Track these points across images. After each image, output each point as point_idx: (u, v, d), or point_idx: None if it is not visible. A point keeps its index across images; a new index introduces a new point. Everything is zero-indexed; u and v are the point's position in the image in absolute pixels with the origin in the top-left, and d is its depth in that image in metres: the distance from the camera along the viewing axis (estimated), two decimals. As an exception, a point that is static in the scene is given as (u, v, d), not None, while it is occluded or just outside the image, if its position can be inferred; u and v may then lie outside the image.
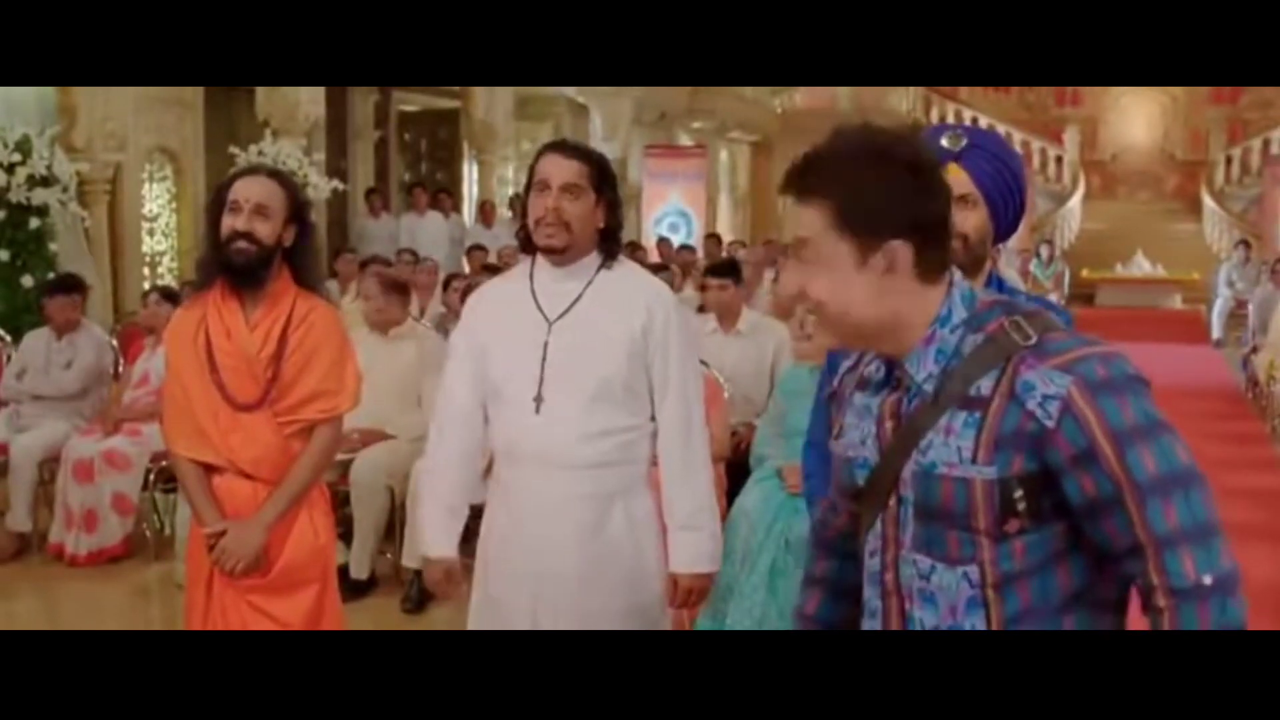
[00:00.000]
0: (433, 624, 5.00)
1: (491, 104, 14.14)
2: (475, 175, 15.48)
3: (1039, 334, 1.56)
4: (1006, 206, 2.31)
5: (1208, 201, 21.72)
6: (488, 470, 3.02)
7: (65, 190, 7.94)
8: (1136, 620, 1.59)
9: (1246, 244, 16.37)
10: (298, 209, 3.13)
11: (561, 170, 2.77)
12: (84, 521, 5.76)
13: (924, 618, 1.65)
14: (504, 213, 13.86)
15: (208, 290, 3.13)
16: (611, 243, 2.89)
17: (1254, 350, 11.12)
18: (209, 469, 3.11)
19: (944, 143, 2.38)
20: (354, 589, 5.18)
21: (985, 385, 1.56)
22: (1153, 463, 1.49)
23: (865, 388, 1.75)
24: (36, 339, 6.43)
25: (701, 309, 6.91)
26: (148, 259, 10.23)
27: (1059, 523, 1.56)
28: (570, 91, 15.82)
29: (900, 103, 23.01)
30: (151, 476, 5.87)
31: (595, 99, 15.85)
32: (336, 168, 12.38)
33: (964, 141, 2.29)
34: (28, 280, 7.65)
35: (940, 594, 1.63)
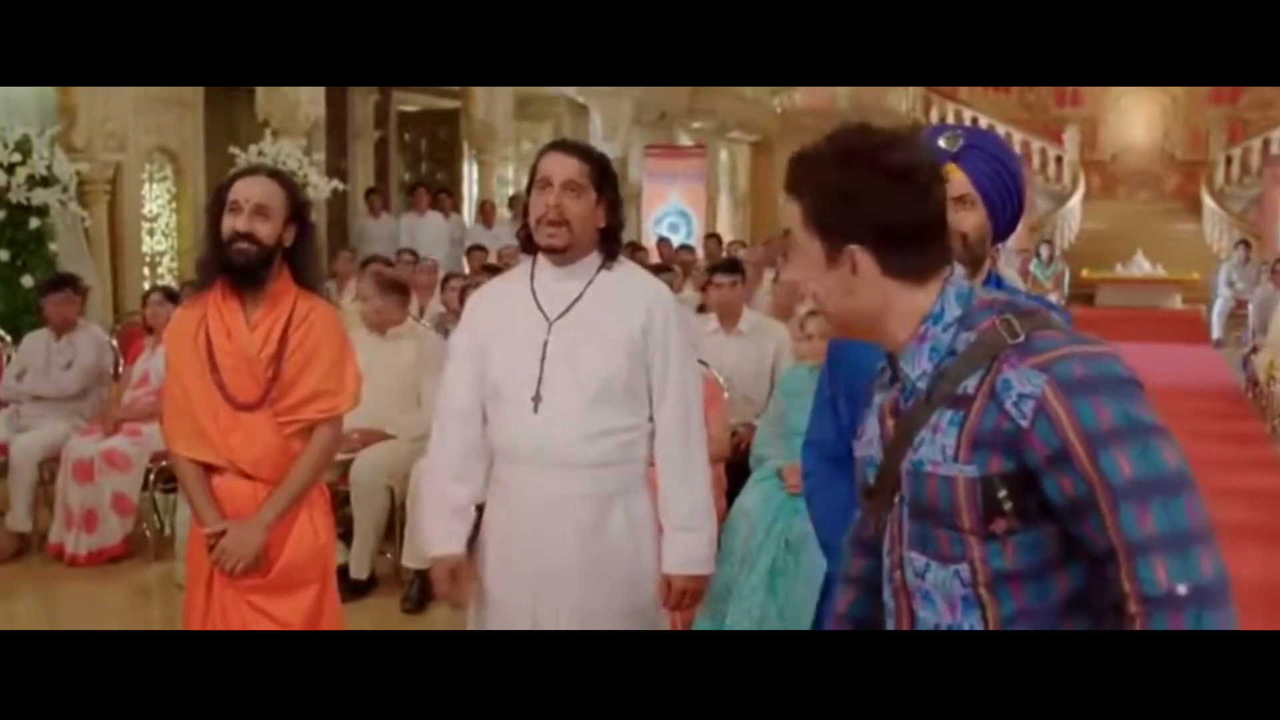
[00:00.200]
0: (433, 624, 5.00)
1: (491, 104, 14.14)
2: (475, 175, 15.48)
3: (1028, 332, 1.55)
4: (1005, 206, 2.31)
5: (1208, 201, 21.72)
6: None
7: (65, 190, 7.94)
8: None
9: (1246, 244, 16.37)
10: (298, 209, 3.13)
11: (563, 168, 2.77)
12: (84, 521, 5.76)
13: (926, 616, 1.65)
14: (504, 213, 13.86)
15: (208, 290, 3.14)
16: (612, 243, 2.90)
17: (1254, 350, 11.12)
18: (209, 469, 3.11)
19: (941, 143, 2.38)
20: (354, 589, 5.18)
21: (971, 384, 1.56)
22: (1129, 466, 1.46)
23: (879, 388, 1.76)
24: (36, 339, 6.43)
25: (702, 309, 6.92)
26: (148, 259, 10.23)
27: (1050, 524, 1.54)
28: (570, 91, 15.82)
29: (900, 103, 23.01)
30: (151, 476, 5.87)
31: (595, 99, 15.85)
32: (336, 168, 12.38)
33: (961, 142, 2.29)
34: (28, 280, 7.64)
35: (936, 592, 1.63)
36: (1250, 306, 13.11)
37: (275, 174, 3.24)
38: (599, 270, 2.86)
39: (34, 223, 7.81)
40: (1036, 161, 22.71)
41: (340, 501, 5.29)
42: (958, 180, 2.20)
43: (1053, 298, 11.31)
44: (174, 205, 10.57)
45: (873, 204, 1.60)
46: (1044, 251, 16.89)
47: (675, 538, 2.88)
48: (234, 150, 9.97)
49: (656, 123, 18.09)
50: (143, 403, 5.99)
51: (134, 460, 5.85)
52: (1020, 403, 1.50)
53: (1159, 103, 24.41)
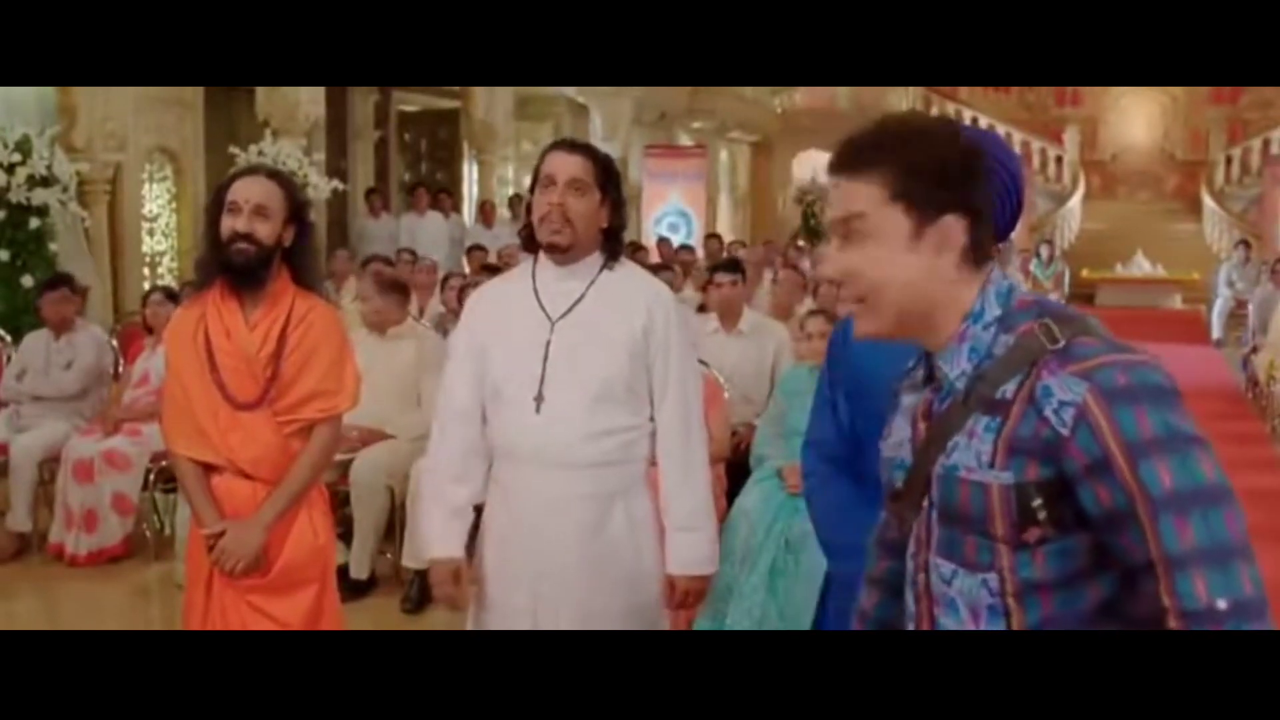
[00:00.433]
0: (432, 624, 5.00)
1: (491, 104, 14.15)
2: (475, 175, 15.48)
3: (1068, 338, 1.51)
4: (1003, 207, 2.30)
5: (1208, 201, 21.73)
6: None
7: (65, 190, 7.94)
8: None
9: (1246, 244, 16.37)
10: (297, 209, 3.13)
11: (567, 166, 2.77)
12: (84, 521, 5.76)
13: (947, 622, 1.62)
14: (504, 213, 13.86)
15: (207, 290, 3.14)
16: (614, 243, 2.90)
17: (1254, 350, 11.13)
18: (208, 469, 3.11)
19: None
20: (354, 589, 5.19)
21: (1009, 389, 1.53)
22: (1169, 477, 1.43)
23: (910, 388, 1.74)
24: (36, 340, 6.43)
25: (702, 308, 6.93)
26: (148, 259, 10.23)
27: (1083, 533, 1.51)
28: (570, 91, 15.82)
29: (900, 103, 22.99)
30: (151, 476, 5.87)
31: (595, 99, 15.85)
32: (336, 168, 12.38)
33: None
34: (28, 280, 7.64)
35: (961, 599, 1.60)
36: (1250, 306, 13.11)
37: (274, 174, 3.24)
38: (601, 270, 2.86)
39: (34, 223, 7.81)
40: (1036, 161, 22.72)
41: (340, 501, 5.29)
42: None
43: (1053, 298, 11.29)
44: (174, 205, 10.58)
45: (963, 177, 1.58)
46: (1044, 251, 16.89)
47: (678, 538, 2.88)
48: (234, 150, 9.97)
49: (656, 123, 18.10)
50: (143, 403, 5.99)
51: (134, 460, 5.85)
52: (1061, 410, 1.47)
53: (1159, 103, 24.41)
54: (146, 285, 8.82)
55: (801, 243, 16.70)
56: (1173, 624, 1.42)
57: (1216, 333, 15.25)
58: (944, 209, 1.57)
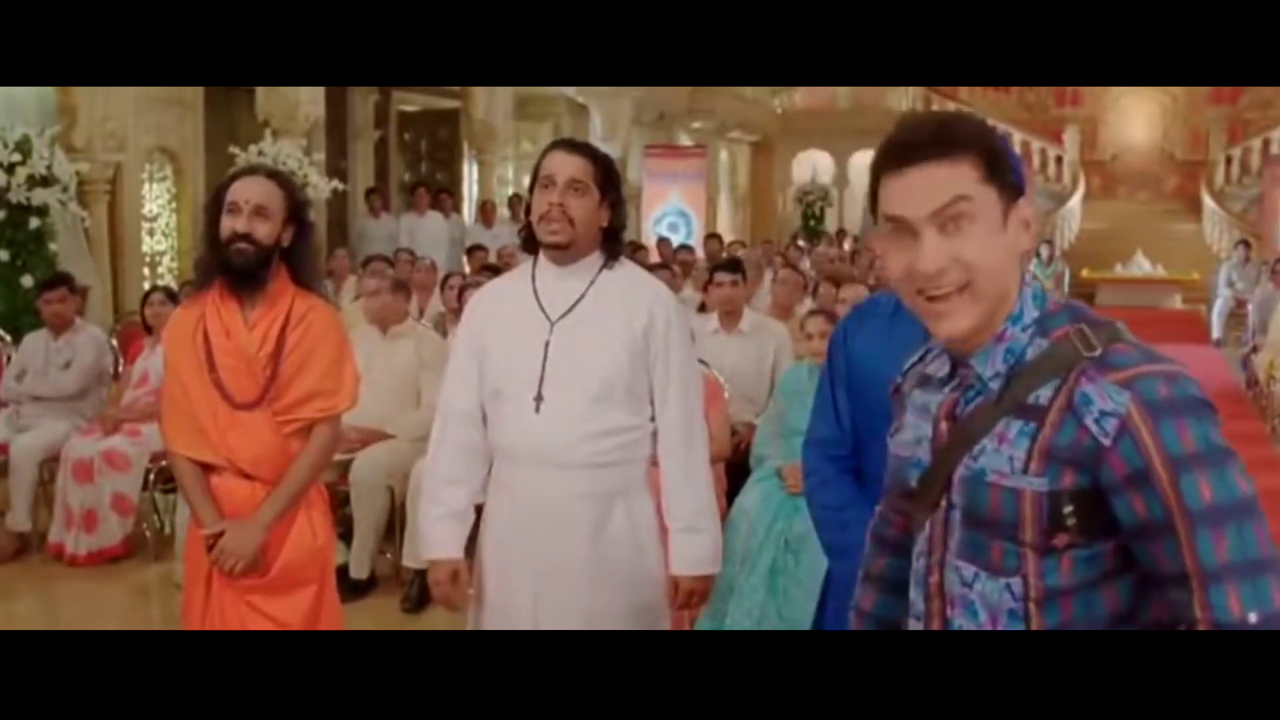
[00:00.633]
0: (433, 624, 5.00)
1: (491, 104, 14.15)
2: (475, 175, 15.48)
3: (1104, 345, 1.51)
4: None
5: (1208, 201, 21.73)
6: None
7: (65, 190, 7.94)
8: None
9: (1246, 244, 16.37)
10: (296, 209, 3.13)
11: (567, 166, 2.77)
12: (84, 521, 5.76)
13: (963, 625, 1.61)
14: (504, 213, 13.86)
15: (206, 290, 3.14)
16: (614, 243, 2.89)
17: (1254, 350, 11.13)
18: (207, 469, 3.11)
19: None
20: (354, 589, 5.19)
21: (1044, 394, 1.51)
22: (1208, 491, 1.43)
23: (925, 385, 1.71)
24: (36, 340, 6.43)
25: (702, 308, 6.93)
26: (148, 259, 10.23)
27: (1109, 541, 1.51)
28: (570, 91, 15.83)
29: (900, 102, 23.00)
30: (151, 476, 5.87)
31: (595, 99, 15.85)
32: (336, 168, 12.38)
33: None
34: (28, 280, 7.64)
35: (981, 603, 1.58)
36: (1250, 306, 13.12)
37: (274, 174, 3.24)
38: (601, 270, 2.85)
39: (34, 223, 7.81)
40: (1036, 161, 22.73)
41: (340, 501, 5.29)
42: None
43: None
44: (174, 205, 10.58)
45: (1016, 166, 1.57)
46: (1044, 251, 16.88)
47: (681, 539, 2.88)
48: (234, 150, 9.98)
49: (656, 123, 18.11)
50: (142, 403, 5.99)
51: (134, 460, 5.85)
52: (1102, 420, 1.46)
53: (1159, 103, 24.41)
54: (146, 285, 8.82)
55: (802, 243, 16.69)
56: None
57: (1216, 333, 15.26)
58: (1017, 193, 1.57)
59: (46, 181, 7.78)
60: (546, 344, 2.79)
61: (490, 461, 2.92)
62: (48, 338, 6.38)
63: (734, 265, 6.43)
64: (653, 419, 2.86)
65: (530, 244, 2.87)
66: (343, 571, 5.02)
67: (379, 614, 5.17)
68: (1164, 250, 19.94)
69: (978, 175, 1.54)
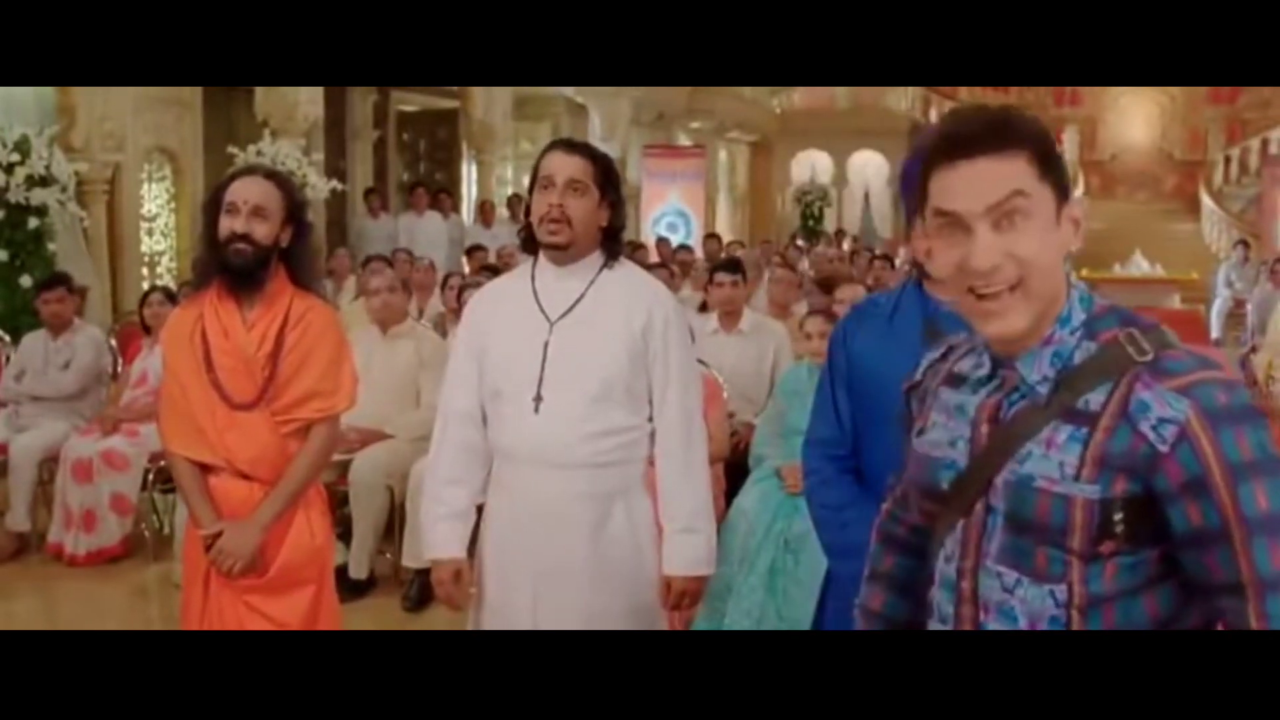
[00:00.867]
0: (433, 624, 5.00)
1: (490, 104, 14.15)
2: (474, 175, 15.48)
3: (1155, 350, 1.48)
4: None
5: (1206, 201, 21.75)
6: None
7: (64, 190, 7.94)
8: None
9: (1245, 244, 16.39)
10: (295, 209, 3.13)
11: (566, 167, 2.77)
12: (83, 521, 5.76)
13: (998, 630, 1.58)
14: (503, 213, 13.86)
15: (204, 290, 3.13)
16: (614, 243, 2.89)
17: (1253, 350, 11.03)
18: (205, 469, 3.11)
19: None
20: (353, 589, 5.19)
21: (1095, 399, 1.49)
22: (1265, 500, 1.41)
23: (957, 384, 1.67)
24: (35, 340, 6.43)
25: (703, 308, 6.93)
26: (146, 259, 10.23)
27: (1155, 549, 1.49)
28: (569, 91, 15.83)
29: (899, 102, 23.03)
30: (150, 476, 5.87)
31: (594, 99, 15.86)
32: (335, 168, 12.37)
33: None
34: (26, 280, 7.63)
35: (1022, 609, 1.55)
36: (1249, 306, 13.14)
37: (272, 174, 3.24)
38: (600, 270, 2.85)
39: (33, 223, 7.81)
40: (1035, 161, 22.68)
41: (339, 501, 5.29)
42: None
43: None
44: (173, 205, 10.58)
45: (1062, 165, 1.55)
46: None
47: (677, 539, 2.87)
48: (233, 150, 9.98)
49: (655, 123, 18.12)
50: (141, 403, 5.99)
51: (132, 460, 5.85)
52: (1160, 427, 1.43)
53: (1157, 103, 24.44)
54: (145, 285, 8.81)
55: (801, 243, 16.70)
56: None
57: (1215, 332, 15.25)
58: (1067, 191, 1.54)
59: (45, 181, 7.77)
60: (546, 344, 2.79)
61: (490, 461, 2.92)
62: (46, 338, 6.38)
63: (734, 265, 6.44)
64: (651, 419, 2.86)
65: (530, 244, 2.87)
66: (342, 572, 5.02)
67: (378, 614, 5.16)
68: (1163, 250, 19.94)
69: (1033, 171, 1.51)
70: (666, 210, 16.82)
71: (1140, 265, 19.61)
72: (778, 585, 4.20)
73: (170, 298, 6.41)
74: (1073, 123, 23.87)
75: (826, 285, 7.06)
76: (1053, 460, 1.50)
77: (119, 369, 6.96)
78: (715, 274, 6.35)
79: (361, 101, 13.86)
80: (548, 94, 16.25)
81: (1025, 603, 1.54)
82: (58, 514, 5.85)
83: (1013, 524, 1.54)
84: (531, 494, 2.81)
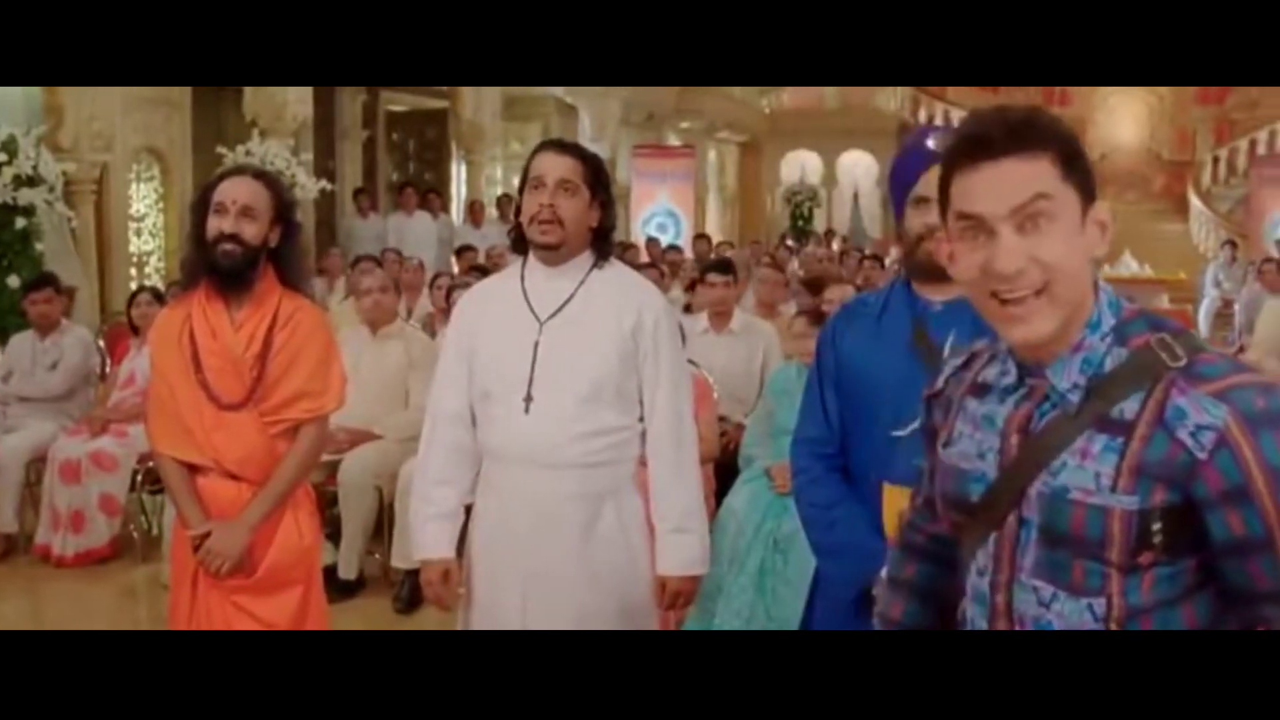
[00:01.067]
0: (424, 625, 4.99)
1: (479, 104, 14.14)
2: (463, 175, 15.47)
3: (1189, 354, 1.45)
4: None
5: (1194, 202, 21.80)
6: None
7: (52, 190, 7.92)
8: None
9: (1233, 244, 16.44)
10: (283, 209, 3.12)
11: (557, 167, 2.77)
12: (71, 522, 5.75)
13: None
14: (492, 213, 13.85)
15: (193, 290, 3.12)
16: (604, 243, 2.89)
17: (1240, 350, 11.13)
18: (194, 469, 3.10)
19: (930, 144, 2.38)
20: (342, 589, 5.18)
21: (1129, 408, 1.45)
22: None
23: (983, 394, 1.63)
24: (22, 341, 6.42)
25: (687, 308, 6.93)
26: (135, 259, 10.20)
27: (1192, 558, 1.46)
28: (558, 92, 15.82)
29: (888, 102, 23.05)
30: (139, 477, 5.86)
31: (583, 99, 15.85)
32: (324, 168, 12.35)
33: None
34: (14, 281, 7.61)
35: (1060, 624, 1.51)
36: (1236, 306, 13.17)
37: (260, 174, 3.23)
38: (590, 270, 2.85)
39: (20, 223, 7.79)
40: (1024, 162, 22.70)
41: (328, 502, 5.28)
42: None
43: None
44: (161, 205, 10.55)
45: (1089, 167, 1.52)
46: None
47: (670, 539, 2.87)
48: (221, 150, 9.95)
49: (645, 123, 18.12)
50: (129, 403, 5.98)
51: (121, 461, 5.83)
52: (1198, 434, 1.40)
53: (1146, 103, 24.48)
54: (133, 286, 8.79)
55: (790, 243, 16.71)
56: None
57: (1204, 332, 15.26)
58: (1093, 194, 1.51)
59: (33, 181, 7.75)
60: (536, 344, 2.78)
61: (480, 462, 2.92)
62: (34, 338, 6.36)
63: (726, 266, 6.45)
64: (642, 419, 2.86)
65: (520, 245, 2.87)
66: (331, 572, 5.01)
67: (368, 615, 5.15)
68: (1151, 250, 19.95)
69: (1057, 173, 1.47)
70: (656, 210, 16.83)
71: (1129, 265, 19.63)
72: (767, 585, 4.20)
73: (158, 298, 6.40)
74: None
75: (814, 286, 7.06)
76: (1088, 471, 1.46)
77: (107, 370, 6.95)
78: (707, 274, 6.36)
79: (350, 101, 13.84)
80: (537, 94, 16.24)
81: (1063, 617, 1.51)
82: (45, 515, 5.84)
83: (1048, 537, 1.51)
84: (521, 494, 2.81)
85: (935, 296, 2.41)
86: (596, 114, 15.91)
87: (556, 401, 2.75)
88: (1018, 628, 1.55)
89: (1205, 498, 1.41)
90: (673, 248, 13.24)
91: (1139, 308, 1.55)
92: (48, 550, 5.79)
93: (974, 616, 1.62)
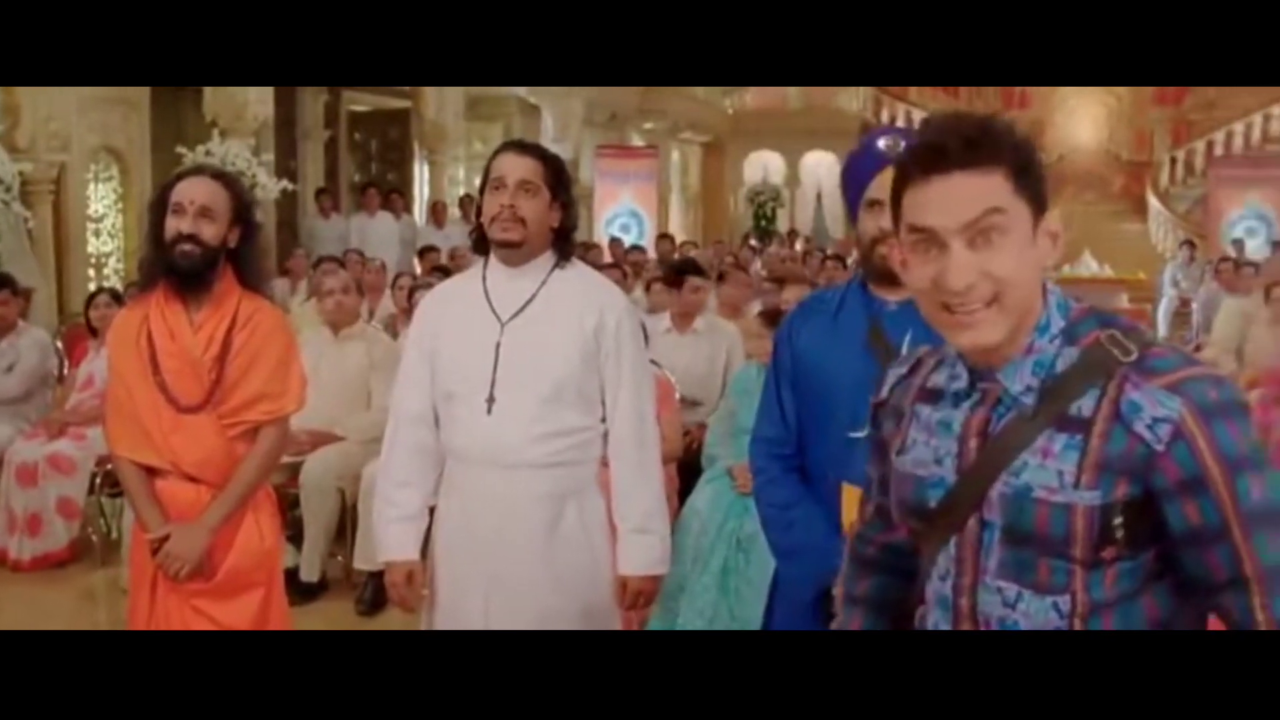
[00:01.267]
0: (388, 627, 4.97)
1: (442, 104, 14.09)
2: (426, 176, 15.41)
3: (1139, 349, 1.47)
4: None
5: (1153, 202, 22.00)
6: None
7: (8, 190, 7.85)
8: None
9: (1191, 244, 16.60)
10: (242, 210, 3.10)
11: (517, 168, 2.77)
12: (28, 526, 5.69)
13: None
14: (455, 213, 13.81)
15: (151, 291, 3.10)
16: (565, 243, 2.89)
17: (1198, 349, 11.25)
18: (152, 472, 3.07)
19: (881, 146, 2.39)
20: (304, 592, 5.15)
21: (1086, 405, 1.47)
22: (1261, 492, 1.42)
23: (935, 399, 1.63)
24: (-22, 342, 6.34)
25: (652, 309, 6.94)
26: (93, 260, 10.11)
27: (1151, 549, 1.48)
28: (521, 92, 15.79)
29: (850, 103, 23.14)
30: (97, 480, 5.80)
31: (546, 99, 15.83)
32: (286, 168, 12.28)
33: (902, 145, 2.29)
34: (-31, 282, 7.52)
35: (1026, 623, 1.52)
36: (1194, 306, 13.30)
37: (219, 174, 3.21)
38: (552, 270, 2.85)
39: (-24, 223, 7.71)
40: (985, 162, 22.82)
41: (290, 504, 5.25)
42: None
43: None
44: (120, 205, 10.45)
45: (1042, 177, 1.52)
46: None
47: (631, 539, 2.87)
48: (181, 150, 9.87)
49: (608, 123, 18.10)
50: (87, 405, 5.92)
51: (79, 464, 5.78)
52: (1155, 426, 1.42)
53: (1105, 104, 24.67)
54: (92, 287, 8.72)
55: (754, 243, 16.75)
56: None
57: (1162, 332, 15.41)
58: (1045, 205, 1.52)
59: (-11, 182, 7.67)
60: (498, 345, 2.78)
61: (443, 463, 2.91)
62: (-10, 340, 6.29)
63: (694, 268, 6.50)
64: (604, 419, 2.86)
65: (481, 245, 2.86)
66: (293, 574, 4.98)
67: (330, 617, 5.13)
68: (1110, 250, 20.13)
69: (1010, 187, 1.48)
70: (619, 211, 16.84)
71: (1089, 265, 19.79)
72: (730, 584, 4.21)
73: (117, 299, 6.33)
74: (1021, 124, 23.88)
75: (781, 285, 7.10)
76: (1050, 470, 1.48)
77: (65, 372, 6.87)
78: (688, 278, 6.35)
79: (312, 101, 13.76)
80: (500, 94, 16.20)
81: (1028, 616, 1.52)
82: (2, 518, 5.77)
83: (1011, 537, 1.52)
84: (484, 495, 2.80)
85: (891, 296, 2.42)
86: (559, 114, 15.88)
87: (519, 402, 2.75)
88: (983, 629, 1.56)
89: (1163, 489, 1.44)
90: (636, 248, 13.25)
91: (1088, 306, 1.57)
92: (4, 554, 5.72)
93: (937, 621, 1.62)
